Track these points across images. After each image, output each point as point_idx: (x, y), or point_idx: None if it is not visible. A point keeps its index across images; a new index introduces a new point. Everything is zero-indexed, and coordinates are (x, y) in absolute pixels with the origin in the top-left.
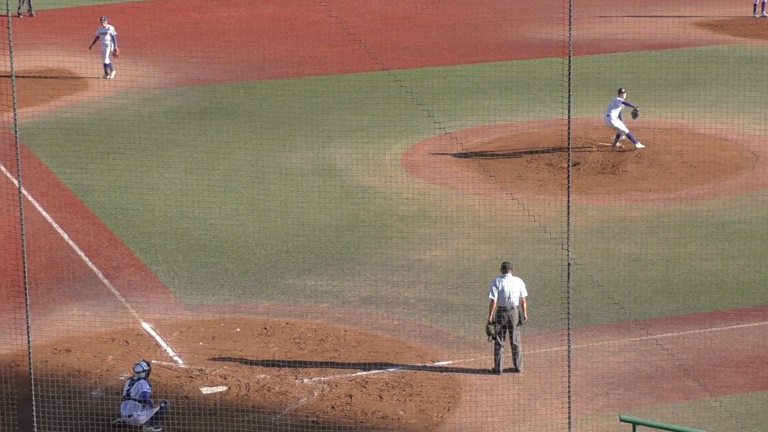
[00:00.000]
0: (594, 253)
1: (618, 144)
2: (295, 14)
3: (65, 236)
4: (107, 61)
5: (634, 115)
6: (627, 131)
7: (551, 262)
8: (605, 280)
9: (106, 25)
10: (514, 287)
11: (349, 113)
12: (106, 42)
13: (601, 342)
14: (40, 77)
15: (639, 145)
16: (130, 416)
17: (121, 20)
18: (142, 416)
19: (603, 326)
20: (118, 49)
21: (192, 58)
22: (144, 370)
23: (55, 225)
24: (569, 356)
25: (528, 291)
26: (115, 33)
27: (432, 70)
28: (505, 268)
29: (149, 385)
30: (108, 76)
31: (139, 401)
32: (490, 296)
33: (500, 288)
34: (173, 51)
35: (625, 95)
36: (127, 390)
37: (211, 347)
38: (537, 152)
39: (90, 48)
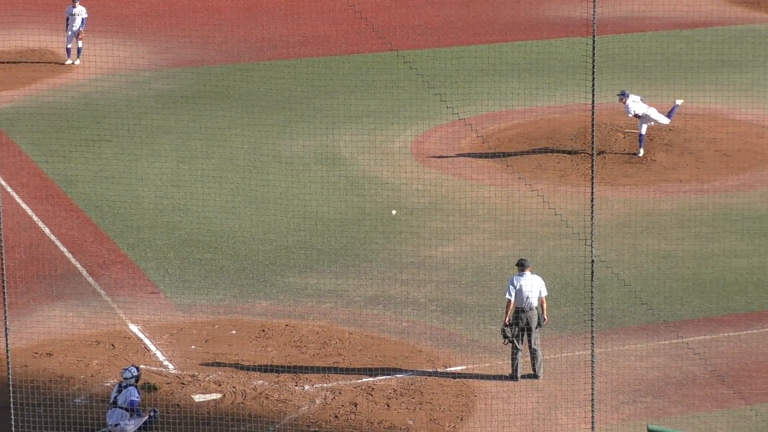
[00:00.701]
0: (620, 250)
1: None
2: None
3: (47, 231)
4: (72, 44)
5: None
6: (643, 133)
7: (574, 259)
8: (632, 279)
9: (78, 6)
10: (533, 286)
11: (354, 97)
12: (75, 25)
13: (627, 346)
14: (21, 61)
15: (641, 153)
16: (116, 425)
17: None
18: (130, 425)
19: (629, 328)
20: (82, 32)
21: (185, 37)
22: (133, 376)
23: (36, 218)
24: (593, 361)
25: (548, 290)
26: (86, 15)
27: (444, 51)
28: (522, 266)
29: (138, 392)
30: (71, 62)
31: (127, 410)
32: (507, 296)
33: (518, 287)
34: (165, 30)
35: (627, 100)
36: (115, 397)
37: (204, 351)
38: (558, 140)
39: (66, 30)
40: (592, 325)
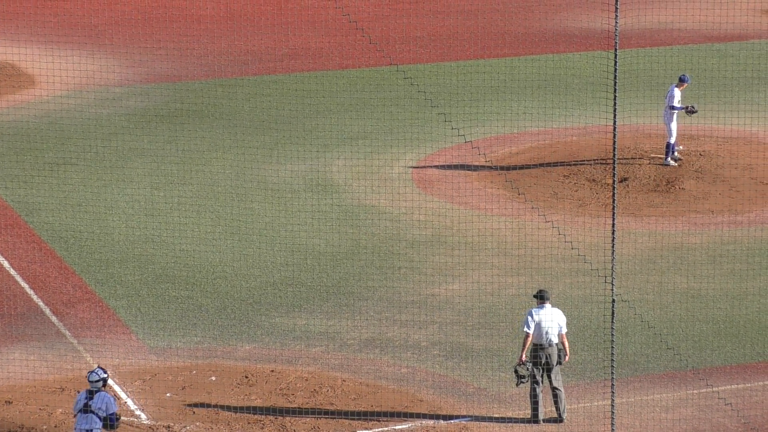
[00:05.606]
0: (644, 288)
1: (672, 160)
2: None
3: (5, 264)
4: None
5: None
6: (672, 141)
7: (592, 299)
8: (657, 321)
9: None
10: (554, 320)
11: (349, 117)
12: None
13: (651, 395)
14: None
15: (670, 162)
16: (89, 431)
17: (76, 3)
18: None
19: (654, 376)
20: None
21: (160, 49)
22: (100, 379)
23: None
24: (613, 413)
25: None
26: None
27: (449, 66)
28: (542, 298)
29: (115, 402)
30: None
31: (102, 418)
32: (525, 329)
33: (537, 321)
34: (138, 41)
35: (684, 86)
36: (86, 401)
37: (180, 399)
38: (576, 165)
39: None
40: (612, 373)
